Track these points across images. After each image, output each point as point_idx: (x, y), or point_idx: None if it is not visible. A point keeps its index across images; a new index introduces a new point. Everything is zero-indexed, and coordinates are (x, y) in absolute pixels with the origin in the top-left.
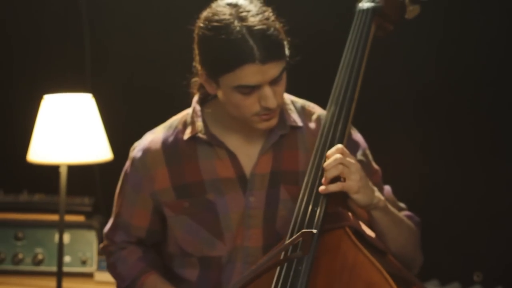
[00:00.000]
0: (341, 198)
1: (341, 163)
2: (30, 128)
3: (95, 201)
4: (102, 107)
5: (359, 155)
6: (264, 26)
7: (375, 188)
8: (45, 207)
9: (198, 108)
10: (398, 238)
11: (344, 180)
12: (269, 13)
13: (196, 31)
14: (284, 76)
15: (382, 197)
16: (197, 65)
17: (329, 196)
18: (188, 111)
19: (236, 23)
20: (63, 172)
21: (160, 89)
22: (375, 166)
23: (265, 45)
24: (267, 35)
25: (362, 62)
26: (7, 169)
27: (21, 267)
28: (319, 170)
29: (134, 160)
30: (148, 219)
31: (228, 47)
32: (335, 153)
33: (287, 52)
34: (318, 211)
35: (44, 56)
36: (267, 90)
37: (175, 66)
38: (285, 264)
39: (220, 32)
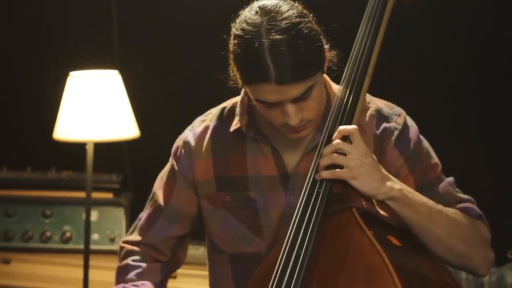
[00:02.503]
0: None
1: (336, 150)
2: (56, 105)
3: (123, 178)
4: (129, 83)
5: (409, 151)
6: (291, 43)
7: (391, 178)
8: (73, 184)
9: (246, 99)
10: (432, 231)
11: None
12: (305, 24)
13: (232, 29)
14: (317, 89)
15: (397, 187)
16: (230, 60)
17: (329, 182)
18: (238, 99)
19: (258, 36)
20: (90, 150)
21: (188, 66)
22: (433, 160)
23: (285, 65)
24: (290, 54)
25: (378, 34)
26: (34, 147)
27: (49, 245)
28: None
29: (185, 145)
30: (196, 206)
31: (246, 62)
32: (334, 142)
33: (321, 66)
34: (320, 198)
35: (71, 32)
36: (289, 108)
37: (205, 42)
38: (286, 249)
39: (241, 43)
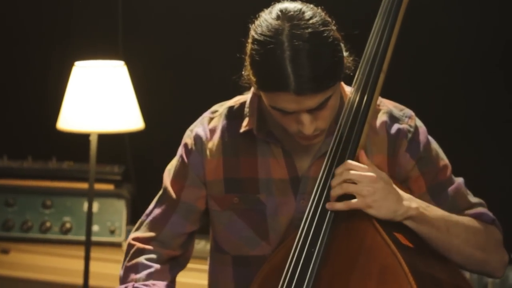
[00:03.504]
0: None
1: (347, 180)
2: (60, 95)
3: (125, 169)
4: (134, 74)
5: (419, 153)
6: (313, 54)
7: (405, 196)
8: (74, 175)
9: (256, 99)
10: (450, 244)
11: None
12: (328, 33)
13: (250, 32)
14: (333, 99)
15: (413, 205)
16: (246, 62)
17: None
18: (246, 98)
19: (280, 44)
20: (93, 141)
21: (194, 57)
22: (443, 161)
23: (306, 76)
24: (312, 65)
25: (393, 30)
26: (36, 136)
27: (49, 236)
28: (328, 181)
29: (196, 141)
30: (206, 203)
31: (265, 70)
32: (341, 170)
33: (339, 76)
34: (324, 225)
35: (76, 22)
36: (305, 118)
37: (210, 33)
38: (298, 246)
39: (261, 50)
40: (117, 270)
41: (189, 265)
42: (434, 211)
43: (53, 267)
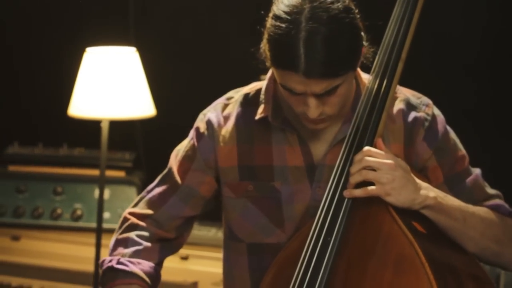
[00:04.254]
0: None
1: (366, 167)
2: (72, 81)
3: (136, 156)
4: (146, 61)
5: (437, 142)
6: (329, 38)
7: (423, 185)
8: (85, 162)
9: (271, 86)
10: (466, 234)
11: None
12: (348, 21)
13: (272, 7)
14: (344, 87)
15: (431, 195)
16: (264, 37)
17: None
18: (262, 85)
19: (297, 23)
20: (105, 128)
21: (206, 43)
22: (461, 152)
23: (317, 60)
24: (325, 50)
25: (412, 17)
26: (47, 122)
27: (59, 223)
28: (346, 169)
29: (208, 127)
30: (213, 189)
31: (279, 47)
32: (360, 157)
33: (353, 65)
34: (341, 214)
35: (87, 7)
36: (311, 101)
37: (222, 19)
38: (314, 235)
39: (278, 27)
40: None
41: (202, 253)
42: (452, 201)
43: (64, 254)
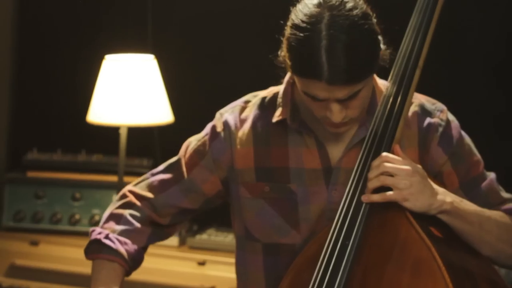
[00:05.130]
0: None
1: (384, 173)
2: (90, 88)
3: (154, 163)
4: (164, 68)
5: (452, 147)
6: (350, 46)
7: (441, 191)
8: (103, 168)
9: (289, 90)
10: (482, 239)
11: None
12: (367, 27)
13: (291, 15)
14: (365, 90)
15: (448, 200)
16: (283, 44)
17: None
18: (279, 89)
19: (318, 32)
20: (123, 134)
21: (224, 51)
22: (476, 157)
23: (340, 67)
24: (347, 57)
25: (430, 26)
26: (66, 129)
27: (78, 228)
28: (364, 174)
29: (225, 128)
30: (217, 189)
31: (301, 56)
32: (378, 162)
33: (374, 69)
34: (359, 218)
35: (106, 15)
36: (334, 106)
37: (241, 26)
38: (332, 239)
39: (298, 36)
40: (145, 262)
41: (219, 259)
42: (468, 205)
43: (81, 259)
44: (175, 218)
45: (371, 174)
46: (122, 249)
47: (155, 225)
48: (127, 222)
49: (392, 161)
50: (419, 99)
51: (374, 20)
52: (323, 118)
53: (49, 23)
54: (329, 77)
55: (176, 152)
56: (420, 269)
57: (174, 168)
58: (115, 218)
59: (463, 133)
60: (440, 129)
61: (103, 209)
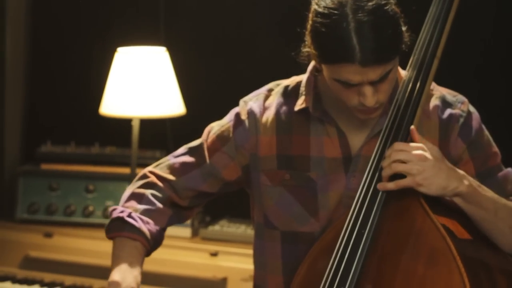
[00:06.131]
0: None
1: (396, 161)
2: (103, 80)
3: (166, 154)
4: (176, 60)
5: (471, 137)
6: (377, 26)
7: (457, 173)
8: (117, 160)
9: (312, 79)
10: (497, 226)
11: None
12: (390, 6)
13: (312, 6)
14: (393, 72)
15: (465, 183)
16: (307, 37)
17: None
18: (302, 78)
19: (345, 16)
20: (135, 126)
21: (235, 42)
22: (494, 148)
23: (371, 47)
24: (376, 37)
25: (448, 15)
26: (79, 121)
27: (91, 220)
28: (380, 162)
29: (249, 115)
30: (236, 175)
31: (330, 42)
32: (390, 151)
33: (400, 49)
34: (375, 207)
35: (118, 8)
36: (367, 89)
37: (252, 17)
38: (348, 227)
39: (325, 22)
40: (158, 253)
41: (232, 249)
42: (485, 191)
43: (95, 251)
44: (193, 201)
45: (384, 163)
46: (144, 228)
47: (175, 206)
48: (149, 202)
49: (404, 148)
50: (440, 91)
51: (393, 1)
52: (354, 107)
53: (62, 17)
54: (362, 59)
55: (188, 143)
56: (435, 258)
57: (196, 152)
58: (137, 197)
59: (483, 125)
60: (461, 119)
61: (117, 200)
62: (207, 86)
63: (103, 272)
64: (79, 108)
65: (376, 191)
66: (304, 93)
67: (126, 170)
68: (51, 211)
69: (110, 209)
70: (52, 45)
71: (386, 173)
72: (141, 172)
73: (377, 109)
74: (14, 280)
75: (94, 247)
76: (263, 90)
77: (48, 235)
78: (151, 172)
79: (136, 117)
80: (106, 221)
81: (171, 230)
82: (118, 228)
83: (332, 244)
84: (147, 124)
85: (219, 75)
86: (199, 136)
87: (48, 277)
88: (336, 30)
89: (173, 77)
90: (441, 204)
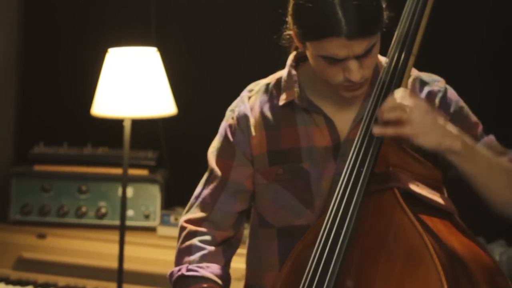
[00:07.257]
0: (400, 145)
1: (397, 107)
2: (94, 81)
3: (159, 155)
4: (167, 61)
5: (452, 109)
6: (359, 0)
7: (453, 131)
8: (109, 161)
9: (293, 72)
10: (490, 185)
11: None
12: None
13: None
14: (376, 47)
15: (460, 140)
16: (289, 18)
17: (378, 141)
18: (282, 73)
19: None
20: (127, 126)
21: (226, 42)
22: (473, 118)
23: (356, 20)
24: (361, 9)
25: (423, 13)
26: (71, 123)
27: (84, 221)
28: (365, 140)
29: (240, 120)
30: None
31: (316, 17)
32: (393, 98)
33: (383, 24)
34: (352, 205)
35: (109, 9)
36: (352, 64)
37: (242, 18)
38: (326, 227)
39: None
40: (152, 254)
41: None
42: (480, 149)
43: (88, 251)
44: (236, 225)
45: (387, 105)
46: (208, 273)
47: (224, 241)
48: (199, 249)
49: (410, 95)
50: (416, 73)
51: None
52: (339, 84)
53: (53, 17)
54: (348, 32)
55: (180, 144)
56: (412, 257)
57: (212, 179)
58: (186, 251)
59: (460, 98)
60: (440, 94)
61: (109, 201)
62: (199, 86)
63: (96, 273)
64: (72, 109)
65: (356, 183)
66: (286, 86)
67: (118, 171)
68: (44, 212)
69: (168, 274)
70: (44, 46)
71: (387, 116)
72: (179, 224)
73: (362, 84)
74: (8, 281)
75: (87, 248)
76: (244, 92)
77: (41, 236)
78: (186, 221)
79: (128, 117)
80: (99, 222)
81: (168, 232)
82: (184, 286)
83: (313, 244)
84: (139, 125)
85: (210, 75)
86: (190, 135)
87: (42, 278)
88: (321, 4)
89: (164, 78)
90: (419, 201)
